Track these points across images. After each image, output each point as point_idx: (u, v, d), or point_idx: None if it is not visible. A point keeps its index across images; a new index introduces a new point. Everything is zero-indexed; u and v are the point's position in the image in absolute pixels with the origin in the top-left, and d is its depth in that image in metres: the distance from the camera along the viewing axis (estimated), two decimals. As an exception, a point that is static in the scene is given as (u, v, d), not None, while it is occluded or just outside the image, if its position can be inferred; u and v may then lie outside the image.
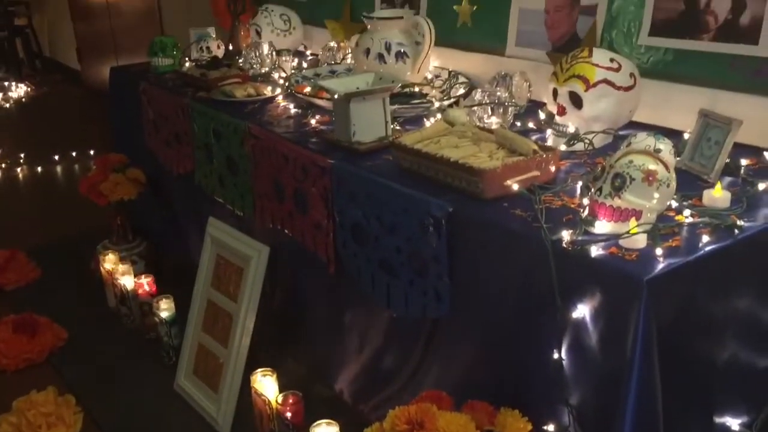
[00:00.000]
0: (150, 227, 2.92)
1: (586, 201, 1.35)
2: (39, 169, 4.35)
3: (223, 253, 2.21)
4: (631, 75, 1.70)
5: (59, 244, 3.22)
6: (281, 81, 2.45)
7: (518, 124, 1.91)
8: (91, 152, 4.31)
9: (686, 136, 1.62)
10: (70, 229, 3.32)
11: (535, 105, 2.02)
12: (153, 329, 2.37)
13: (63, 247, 3.17)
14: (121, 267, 2.53)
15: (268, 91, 2.37)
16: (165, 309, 2.28)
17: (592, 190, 1.32)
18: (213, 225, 2.27)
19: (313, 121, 2.06)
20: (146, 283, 2.46)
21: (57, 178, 4.31)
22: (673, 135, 1.69)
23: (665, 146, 1.41)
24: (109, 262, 2.61)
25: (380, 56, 2.20)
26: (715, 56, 1.72)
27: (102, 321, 2.61)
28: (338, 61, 2.64)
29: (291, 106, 2.24)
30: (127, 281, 2.48)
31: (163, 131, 2.60)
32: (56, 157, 4.41)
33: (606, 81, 1.66)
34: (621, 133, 1.75)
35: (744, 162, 1.51)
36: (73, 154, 4.42)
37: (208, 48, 2.93)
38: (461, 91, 2.15)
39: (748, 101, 1.64)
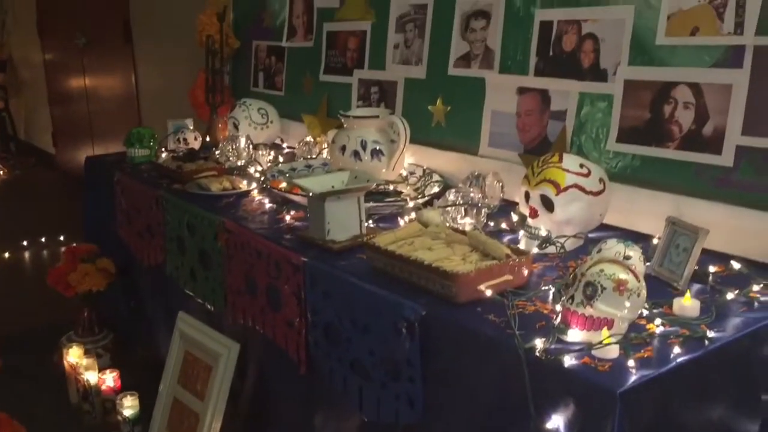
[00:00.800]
0: (117, 318, 2.86)
1: (558, 307, 1.36)
2: (6, 255, 4.28)
3: (192, 350, 2.17)
4: (601, 180, 1.74)
5: (22, 335, 3.13)
6: (257, 175, 2.47)
7: (491, 224, 1.93)
8: (61, 238, 4.26)
9: (655, 241, 1.65)
10: (35, 320, 3.24)
11: (508, 204, 2.05)
12: (115, 428, 2.29)
13: (26, 339, 3.09)
14: (85, 361, 2.47)
15: (243, 185, 2.39)
16: (129, 407, 2.21)
17: (564, 297, 1.33)
18: (183, 320, 2.24)
19: (287, 217, 2.07)
20: (110, 378, 2.39)
21: (24, 265, 4.24)
22: (643, 239, 1.72)
23: (635, 253, 1.43)
24: (73, 355, 2.54)
25: (356, 153, 2.24)
26: (680, 164, 1.77)
27: (63, 418, 2.52)
28: (314, 156, 2.68)
29: (266, 200, 2.25)
30: (91, 376, 2.41)
31: (136, 222, 2.59)
32: (25, 243, 4.35)
33: (576, 186, 1.70)
34: (592, 235, 1.78)
35: (712, 269, 1.54)
36: (43, 239, 4.36)
37: (185, 139, 2.96)
38: (435, 189, 2.19)
39: (714, 208, 1.68)
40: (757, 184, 1.62)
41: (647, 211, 1.80)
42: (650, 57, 1.83)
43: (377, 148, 2.25)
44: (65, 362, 2.57)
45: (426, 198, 2.12)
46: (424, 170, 2.37)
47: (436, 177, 2.30)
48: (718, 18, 1.68)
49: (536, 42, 2.11)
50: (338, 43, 2.86)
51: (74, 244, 3.15)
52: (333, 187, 1.87)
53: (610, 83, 1.93)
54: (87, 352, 2.56)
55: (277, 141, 3.11)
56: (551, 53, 2.07)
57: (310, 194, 1.84)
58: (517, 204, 1.91)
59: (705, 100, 1.72)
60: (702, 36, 1.71)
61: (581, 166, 1.73)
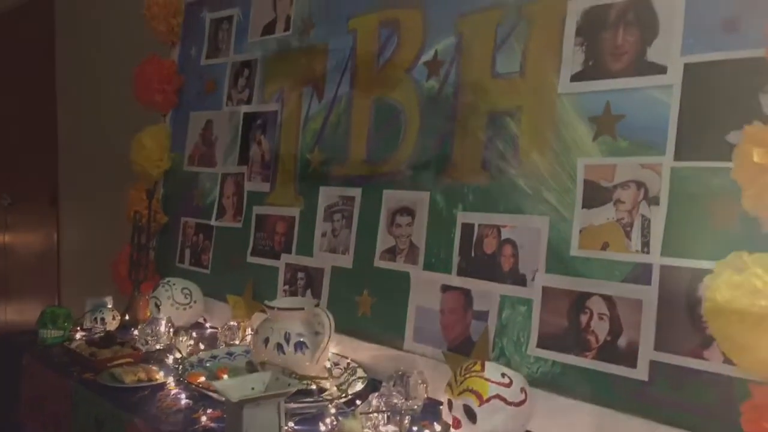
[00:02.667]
0: None
1: None
2: None
3: None
4: (522, 389, 1.74)
5: None
6: (175, 365, 2.38)
7: (415, 429, 1.89)
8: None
9: (580, 456, 1.64)
10: None
11: (433, 403, 2.02)
12: None
13: None
14: None
15: (160, 376, 2.29)
16: None
17: None
18: None
19: (203, 417, 1.98)
20: None
21: None
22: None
23: (557, 478, 1.41)
24: None
25: (279, 346, 2.20)
26: (599, 374, 1.80)
27: None
28: (238, 341, 2.62)
29: (183, 395, 2.15)
30: None
31: (41, 413, 2.43)
32: None
33: (498, 396, 1.70)
34: (516, 445, 1.76)
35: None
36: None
37: (102, 319, 2.85)
38: (359, 386, 2.14)
39: (633, 423, 1.69)
40: (673, 401, 1.65)
41: (569, 421, 1.80)
42: (566, 266, 1.90)
43: (301, 340, 2.22)
44: None
45: (349, 397, 2.07)
46: (348, 364, 2.33)
47: (360, 372, 2.26)
48: (626, 236, 1.78)
49: (458, 242, 2.18)
50: (267, 226, 2.89)
51: (-30, 429, 2.92)
52: (253, 389, 1.81)
53: (529, 288, 1.98)
54: None
55: (200, 320, 3.04)
56: (473, 254, 2.14)
57: (227, 399, 1.77)
58: (441, 404, 1.89)
59: (618, 312, 1.77)
60: (612, 251, 1.80)
61: (503, 375, 1.74)
